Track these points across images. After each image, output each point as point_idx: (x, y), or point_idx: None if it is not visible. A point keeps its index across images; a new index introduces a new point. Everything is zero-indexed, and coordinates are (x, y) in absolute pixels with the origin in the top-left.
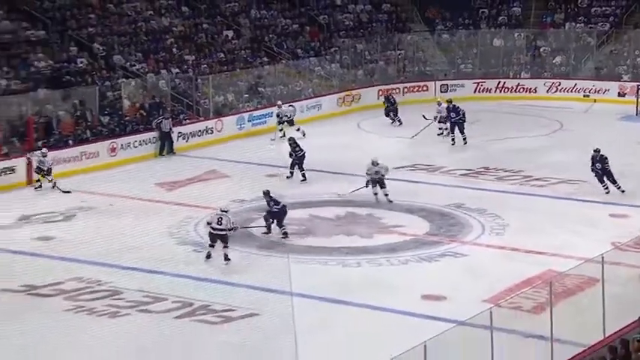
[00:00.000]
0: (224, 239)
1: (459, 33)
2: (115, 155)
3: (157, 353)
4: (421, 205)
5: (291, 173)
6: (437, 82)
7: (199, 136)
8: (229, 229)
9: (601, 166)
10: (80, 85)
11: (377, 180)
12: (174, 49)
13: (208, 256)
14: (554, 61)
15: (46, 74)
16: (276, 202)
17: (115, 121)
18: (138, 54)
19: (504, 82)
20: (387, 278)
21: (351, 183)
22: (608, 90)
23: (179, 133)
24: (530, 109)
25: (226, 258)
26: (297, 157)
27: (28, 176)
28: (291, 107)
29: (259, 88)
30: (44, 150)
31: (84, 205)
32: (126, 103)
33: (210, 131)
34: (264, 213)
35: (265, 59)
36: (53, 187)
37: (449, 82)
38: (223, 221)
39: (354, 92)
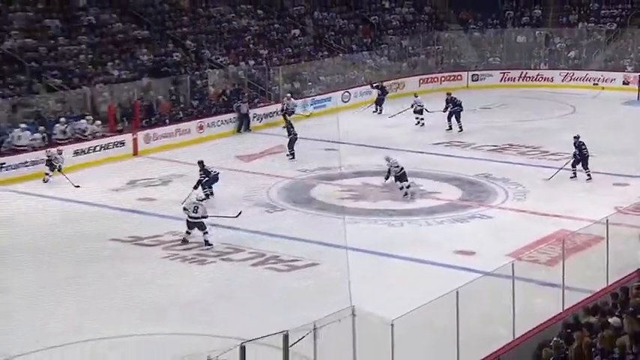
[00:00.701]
0: (201, 226)
1: (488, 31)
2: (202, 132)
3: (236, 293)
4: (455, 175)
5: (292, 153)
6: (469, 72)
7: (270, 117)
8: (203, 217)
9: (579, 152)
10: (175, 74)
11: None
12: (250, 45)
13: (184, 241)
14: (568, 55)
15: (149, 66)
16: (207, 173)
17: (203, 104)
18: (221, 49)
19: (526, 73)
20: (425, 236)
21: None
22: (614, 79)
23: (254, 114)
24: (548, 95)
25: (207, 243)
26: (291, 138)
27: (134, 149)
28: (296, 101)
29: (320, 77)
30: (60, 148)
31: (178, 172)
32: (211, 89)
33: (279, 113)
34: None
35: (326, 53)
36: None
37: (479, 73)
38: (199, 210)
39: (399, 81)
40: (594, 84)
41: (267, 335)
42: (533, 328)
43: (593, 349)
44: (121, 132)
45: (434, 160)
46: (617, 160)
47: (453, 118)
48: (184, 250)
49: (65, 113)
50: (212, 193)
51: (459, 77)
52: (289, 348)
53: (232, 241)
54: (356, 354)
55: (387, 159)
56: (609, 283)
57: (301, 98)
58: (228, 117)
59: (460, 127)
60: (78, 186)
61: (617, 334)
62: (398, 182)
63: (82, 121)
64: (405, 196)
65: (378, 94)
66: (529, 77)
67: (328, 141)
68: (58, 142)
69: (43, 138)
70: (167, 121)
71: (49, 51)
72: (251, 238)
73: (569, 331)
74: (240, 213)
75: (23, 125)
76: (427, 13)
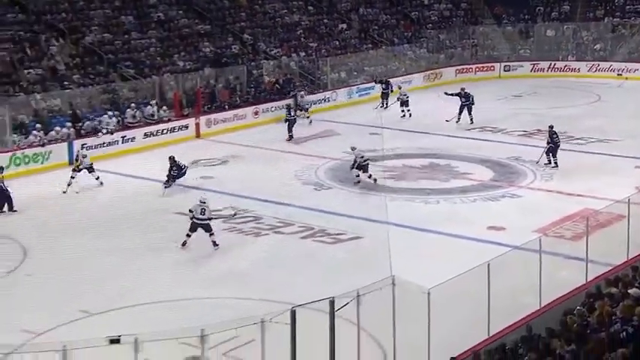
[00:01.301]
0: (207, 228)
1: (519, 25)
2: (257, 117)
3: (287, 263)
4: (487, 157)
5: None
6: (501, 63)
7: (319, 103)
8: (209, 219)
9: (551, 140)
10: (233, 65)
11: (363, 165)
12: (301, 38)
13: (184, 244)
14: (594, 47)
15: (210, 57)
16: (180, 168)
17: (258, 92)
18: (275, 42)
19: (555, 64)
20: (459, 213)
21: (426, 139)
22: (637, 70)
23: (287, 105)
24: (575, 84)
25: (215, 244)
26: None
27: (197, 132)
28: (309, 98)
29: (364, 67)
30: (84, 152)
31: (235, 153)
32: (266, 78)
33: (327, 100)
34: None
35: (370, 45)
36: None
37: (511, 64)
38: (206, 212)
39: (436, 71)
40: (618, 74)
41: (315, 301)
42: (559, 298)
43: (613, 317)
44: (185, 117)
45: (468, 144)
46: (639, 144)
47: (465, 112)
48: (241, 223)
49: (136, 100)
50: (170, 186)
51: (492, 68)
52: (335, 313)
53: (284, 216)
54: (395, 319)
55: (353, 149)
56: (630, 257)
57: (347, 87)
58: (280, 103)
59: (471, 120)
60: (101, 183)
61: (636, 303)
62: (360, 171)
63: (148, 107)
64: (356, 184)
65: (383, 89)
66: (557, 68)
67: (372, 126)
68: (129, 125)
69: (118, 122)
70: (226, 107)
71: (124, 44)
72: (300, 213)
73: (591, 300)
74: (235, 214)
75: (110, 113)
76: (463, 8)
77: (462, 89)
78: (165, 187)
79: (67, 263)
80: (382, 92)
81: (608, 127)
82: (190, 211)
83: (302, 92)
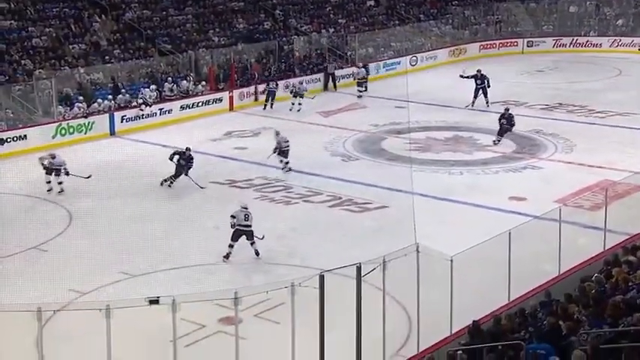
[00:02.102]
0: (250, 235)
1: (542, 1)
2: (287, 91)
3: (316, 230)
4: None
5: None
6: (524, 39)
7: (347, 78)
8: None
9: (506, 122)
10: (266, 40)
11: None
12: (331, 15)
13: (227, 257)
14: (616, 23)
15: (244, 33)
16: (189, 159)
17: (288, 66)
18: (306, 18)
19: (577, 39)
20: (482, 184)
21: (451, 113)
22: None
23: (319, 78)
24: (597, 59)
25: (257, 253)
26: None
27: (230, 105)
28: (307, 86)
29: (391, 44)
30: (52, 153)
31: (267, 125)
32: (296, 53)
33: (353, 75)
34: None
35: (397, 22)
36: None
37: (533, 39)
38: (250, 218)
39: (461, 47)
40: (639, 49)
41: (342, 266)
42: (577, 265)
43: (629, 284)
44: (219, 90)
45: (491, 117)
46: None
47: (481, 94)
48: (272, 192)
49: (173, 74)
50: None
51: (515, 44)
52: (362, 278)
53: (313, 186)
54: (419, 285)
55: (277, 133)
56: None
57: (374, 62)
58: (310, 78)
59: (487, 102)
60: (89, 176)
61: None
62: (282, 157)
63: (184, 81)
64: (285, 171)
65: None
66: (579, 43)
67: (398, 99)
68: (167, 97)
69: (156, 95)
70: (258, 80)
71: (161, 20)
72: (329, 183)
73: (609, 267)
74: (263, 237)
75: (153, 86)
76: None
77: (479, 71)
78: (170, 184)
79: (110, 228)
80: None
81: (628, 101)
82: (232, 217)
83: (300, 80)
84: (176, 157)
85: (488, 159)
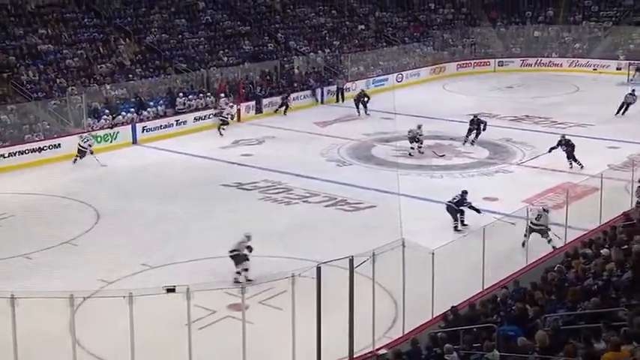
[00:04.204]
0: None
1: (511, 27)
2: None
3: (314, 227)
4: (483, 139)
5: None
6: (496, 59)
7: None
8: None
9: (477, 127)
10: (269, 60)
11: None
12: (326, 37)
13: (236, 282)
14: (574, 46)
15: (250, 53)
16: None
17: (289, 83)
18: (304, 40)
19: (541, 60)
20: (460, 186)
21: (432, 123)
22: (609, 65)
23: (328, 90)
24: (558, 77)
25: (236, 281)
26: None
27: (238, 116)
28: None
29: (380, 62)
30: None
31: (270, 135)
32: (296, 71)
33: (347, 90)
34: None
35: (384, 44)
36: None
37: (504, 60)
38: (252, 249)
39: (441, 65)
40: (594, 69)
41: (337, 259)
42: (542, 257)
43: (587, 273)
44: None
45: (467, 127)
46: (610, 128)
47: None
48: (275, 194)
49: (188, 90)
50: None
51: (488, 63)
52: (354, 269)
53: (310, 188)
54: (405, 275)
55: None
56: (601, 223)
57: (365, 78)
58: (308, 92)
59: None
60: (105, 165)
61: (606, 261)
62: None
63: (200, 95)
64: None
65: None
66: (543, 63)
67: (386, 112)
68: (179, 111)
69: (170, 109)
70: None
71: (178, 43)
72: (325, 185)
73: (569, 259)
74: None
75: (179, 98)
76: (464, 13)
77: (475, 116)
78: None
79: (133, 225)
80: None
81: (585, 113)
82: (235, 251)
83: (340, 80)
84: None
85: (466, 164)
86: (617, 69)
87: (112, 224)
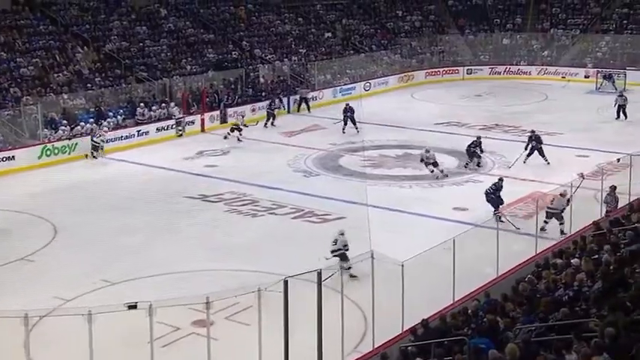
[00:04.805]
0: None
1: (479, 35)
2: (254, 114)
3: (281, 240)
4: (453, 148)
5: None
6: (464, 67)
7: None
8: None
9: (535, 144)
10: (233, 68)
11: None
12: (292, 45)
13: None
14: (542, 54)
15: (213, 62)
16: None
17: (255, 92)
18: (270, 48)
19: (509, 68)
20: (429, 196)
21: (401, 132)
22: (578, 73)
23: (294, 99)
24: (526, 85)
25: (352, 275)
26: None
27: (202, 126)
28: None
29: (347, 70)
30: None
31: (235, 145)
32: (261, 80)
33: (315, 99)
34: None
35: (351, 52)
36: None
37: (472, 67)
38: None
39: (409, 74)
40: (562, 77)
41: (304, 272)
42: (513, 268)
43: (557, 284)
44: (191, 113)
45: (437, 136)
46: (579, 137)
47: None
48: (240, 205)
49: (149, 99)
50: None
51: (457, 71)
52: (322, 283)
53: (277, 199)
54: (374, 287)
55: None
56: (572, 233)
57: (332, 87)
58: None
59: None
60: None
61: (576, 272)
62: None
63: (163, 104)
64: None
65: (347, 115)
66: (511, 71)
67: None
68: (139, 121)
69: (130, 118)
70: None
71: (139, 51)
72: (292, 196)
73: (539, 269)
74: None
75: (140, 108)
76: (432, 20)
77: (478, 137)
78: None
79: (92, 240)
80: (346, 117)
81: (554, 121)
82: (338, 250)
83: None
84: None
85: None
86: (586, 77)
87: (70, 239)
